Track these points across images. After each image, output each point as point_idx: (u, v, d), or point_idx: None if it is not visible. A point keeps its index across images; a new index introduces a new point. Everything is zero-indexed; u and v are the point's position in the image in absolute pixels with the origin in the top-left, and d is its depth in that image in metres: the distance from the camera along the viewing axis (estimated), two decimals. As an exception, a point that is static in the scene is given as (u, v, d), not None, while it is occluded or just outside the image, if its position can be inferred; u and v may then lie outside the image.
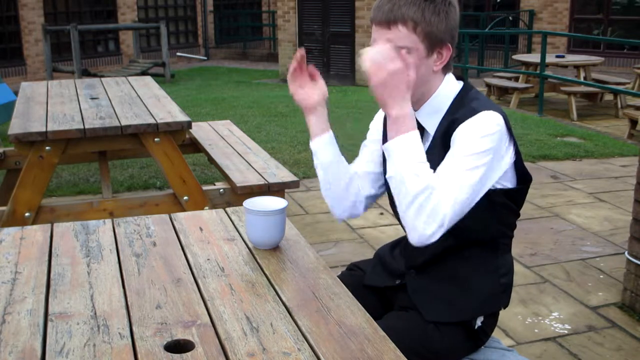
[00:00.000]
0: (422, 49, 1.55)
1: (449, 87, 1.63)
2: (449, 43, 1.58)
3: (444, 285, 1.68)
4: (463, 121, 1.54)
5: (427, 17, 1.54)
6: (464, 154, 1.51)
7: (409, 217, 1.49)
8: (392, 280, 1.78)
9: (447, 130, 1.58)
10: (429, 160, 1.59)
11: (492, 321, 1.75)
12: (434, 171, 1.52)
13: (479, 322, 1.69)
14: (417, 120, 1.61)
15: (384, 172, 1.66)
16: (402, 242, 1.82)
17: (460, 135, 1.53)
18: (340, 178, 1.75)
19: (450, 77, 1.65)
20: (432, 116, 1.62)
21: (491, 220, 1.64)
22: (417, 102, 1.63)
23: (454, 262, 1.66)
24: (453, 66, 1.66)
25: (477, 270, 1.68)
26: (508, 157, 1.58)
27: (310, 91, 1.69)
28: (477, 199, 1.53)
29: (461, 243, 1.64)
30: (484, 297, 1.68)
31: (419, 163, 1.49)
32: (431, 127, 1.63)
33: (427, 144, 1.64)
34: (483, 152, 1.51)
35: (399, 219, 1.77)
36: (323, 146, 1.72)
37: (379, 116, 1.82)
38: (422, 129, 1.64)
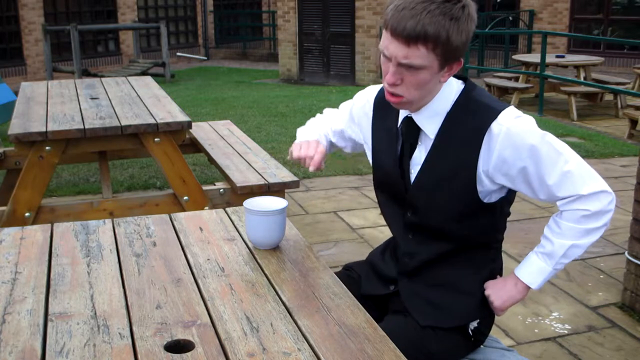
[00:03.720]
0: (435, 66, 1.49)
1: (448, 88, 1.59)
2: (461, 57, 1.53)
3: (436, 291, 1.68)
4: (488, 125, 1.54)
5: (450, 37, 1.44)
6: (550, 161, 1.57)
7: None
8: (386, 288, 1.76)
9: (467, 137, 1.55)
10: (430, 164, 1.60)
11: (488, 320, 1.74)
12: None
13: (474, 323, 1.69)
14: (415, 121, 1.60)
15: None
16: (391, 245, 1.80)
17: (524, 154, 1.57)
18: None
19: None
20: (432, 119, 1.59)
21: (488, 227, 1.66)
22: (417, 106, 1.59)
23: (446, 267, 1.65)
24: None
25: (469, 274, 1.68)
26: None
27: None
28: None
29: (455, 248, 1.64)
30: (477, 302, 1.68)
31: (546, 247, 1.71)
32: (431, 131, 1.59)
33: (427, 147, 1.60)
34: (552, 140, 1.61)
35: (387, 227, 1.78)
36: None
37: (371, 93, 1.77)
38: (418, 131, 1.61)
